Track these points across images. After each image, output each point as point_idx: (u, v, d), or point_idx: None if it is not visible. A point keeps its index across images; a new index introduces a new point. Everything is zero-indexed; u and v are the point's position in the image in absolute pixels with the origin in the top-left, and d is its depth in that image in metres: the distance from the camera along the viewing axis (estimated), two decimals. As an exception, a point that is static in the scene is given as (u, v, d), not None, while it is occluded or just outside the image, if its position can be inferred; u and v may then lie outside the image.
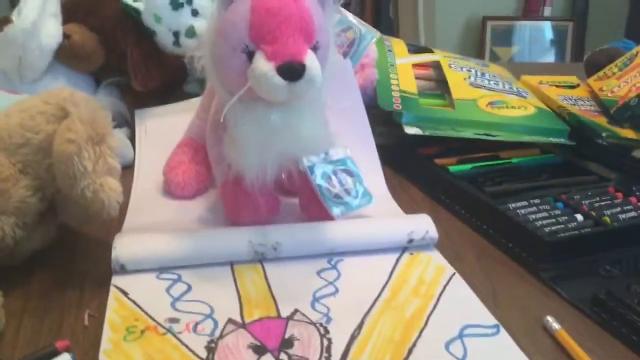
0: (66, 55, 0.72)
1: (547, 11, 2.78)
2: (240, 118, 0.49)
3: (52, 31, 0.70)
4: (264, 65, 0.44)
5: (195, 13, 0.73)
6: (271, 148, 0.50)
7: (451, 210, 0.63)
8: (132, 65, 0.73)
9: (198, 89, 0.85)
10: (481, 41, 2.75)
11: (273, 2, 0.45)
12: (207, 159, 0.63)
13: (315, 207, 0.55)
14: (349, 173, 0.58)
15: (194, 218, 0.58)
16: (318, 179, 0.54)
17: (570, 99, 0.84)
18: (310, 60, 0.45)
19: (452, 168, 0.68)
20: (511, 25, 2.76)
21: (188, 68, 0.83)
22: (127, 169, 0.67)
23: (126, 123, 0.77)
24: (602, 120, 0.79)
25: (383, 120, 0.75)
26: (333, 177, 0.56)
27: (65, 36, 0.71)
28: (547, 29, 2.78)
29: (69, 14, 0.73)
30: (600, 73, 0.86)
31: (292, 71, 0.44)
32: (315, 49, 0.47)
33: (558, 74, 0.93)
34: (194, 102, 0.77)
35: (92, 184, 0.45)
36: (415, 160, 0.72)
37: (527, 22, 2.76)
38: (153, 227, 0.55)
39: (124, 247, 0.48)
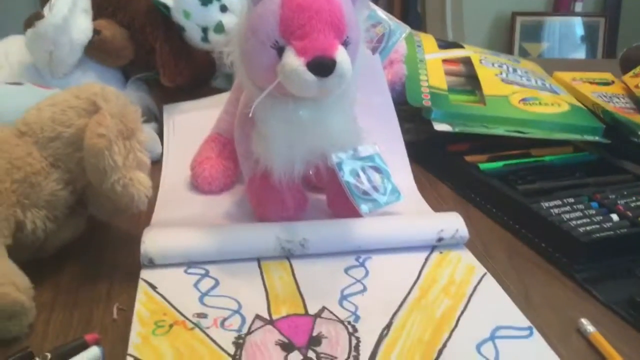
0: (96, 51, 0.72)
1: (578, 7, 2.72)
2: (269, 113, 0.49)
3: (82, 26, 0.70)
4: (294, 61, 0.44)
5: (224, 9, 0.72)
6: (300, 144, 0.49)
7: (482, 209, 0.61)
8: (160, 61, 0.73)
9: (226, 84, 0.85)
10: (510, 37, 2.71)
11: None
12: (235, 154, 0.63)
13: (342, 204, 0.55)
14: (378, 170, 0.57)
15: (222, 213, 0.58)
16: (346, 176, 0.53)
17: (605, 96, 0.81)
18: (341, 55, 0.44)
19: (482, 165, 0.66)
20: (541, 20, 2.71)
21: (217, 63, 0.84)
22: (156, 164, 0.67)
23: (154, 118, 0.78)
24: (637, 118, 0.76)
25: (411, 116, 0.74)
26: (361, 174, 0.55)
27: (96, 32, 0.71)
28: (578, 25, 2.72)
29: (99, 10, 0.73)
30: (637, 69, 0.83)
31: (323, 66, 0.44)
32: (345, 44, 0.46)
33: (590, 70, 0.90)
34: (222, 97, 0.77)
35: (122, 178, 0.45)
36: (444, 157, 0.70)
37: (558, 18, 2.71)
38: (181, 222, 0.55)
39: (152, 242, 0.48)
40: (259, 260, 0.49)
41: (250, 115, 0.47)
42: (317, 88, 0.44)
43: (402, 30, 0.73)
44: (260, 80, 0.49)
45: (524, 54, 2.70)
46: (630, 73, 0.84)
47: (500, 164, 0.67)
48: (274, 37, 0.45)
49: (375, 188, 0.55)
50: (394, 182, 0.57)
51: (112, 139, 0.45)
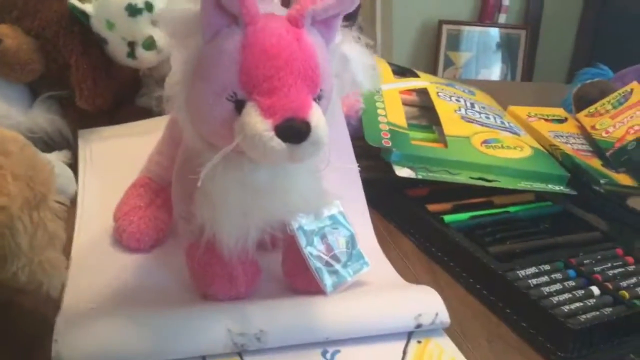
0: (-4, 63, 0.59)
1: (502, 18, 2.77)
2: (220, 174, 0.39)
3: (-22, 34, 0.57)
4: (258, 123, 0.34)
5: (155, 23, 0.61)
6: (255, 211, 0.40)
7: (451, 273, 0.55)
8: (77, 80, 0.61)
9: (152, 103, 0.74)
10: (436, 45, 2.72)
11: (271, 40, 0.35)
12: (169, 203, 0.53)
13: (302, 276, 0.47)
14: (341, 234, 0.49)
15: (154, 284, 0.48)
16: (307, 244, 0.45)
17: (562, 136, 0.78)
18: (316, 116, 0.35)
19: (447, 218, 0.60)
20: (466, 30, 2.74)
21: (142, 80, 0.72)
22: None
23: (67, 144, 0.65)
24: (596, 163, 0.74)
25: (368, 152, 0.67)
26: (324, 241, 0.47)
27: (-5, 40, 0.58)
28: (501, 35, 2.78)
29: (1, 14, 0.60)
30: (592, 109, 0.81)
31: (295, 132, 0.34)
32: (319, 98, 0.38)
33: (516, 92, 0.87)
34: (149, 124, 0.67)
35: (28, 265, 0.35)
36: (405, 204, 0.64)
37: (482, 28, 2.75)
38: (103, 300, 0.44)
39: (67, 340, 0.37)
40: (204, 358, 0.40)
41: (199, 184, 0.38)
42: (286, 157, 0.35)
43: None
44: (210, 136, 0.39)
45: (449, 62, 2.73)
46: (585, 112, 0.81)
47: (465, 215, 0.62)
48: (232, 89, 0.36)
49: (339, 256, 0.48)
50: (359, 246, 0.49)
51: (15, 212, 0.34)
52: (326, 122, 0.37)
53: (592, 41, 2.75)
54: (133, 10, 0.60)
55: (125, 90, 0.71)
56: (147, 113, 0.71)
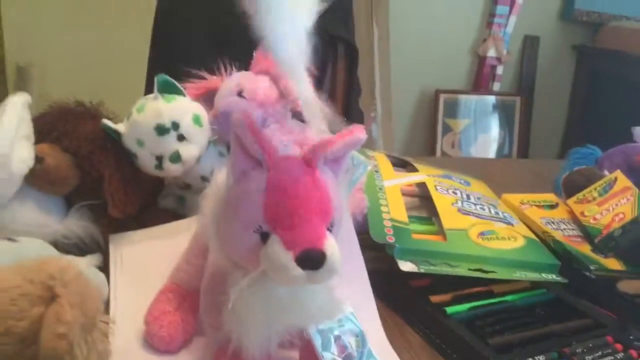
0: (38, 180, 0.66)
1: (496, 86, 2.89)
2: (246, 291, 0.45)
3: (23, 155, 0.64)
4: (282, 255, 0.41)
5: (181, 138, 0.69)
6: (277, 322, 0.46)
7: (454, 365, 0.60)
8: (110, 191, 0.68)
9: (175, 204, 0.81)
10: (434, 113, 2.83)
11: (291, 182, 0.42)
12: (195, 306, 0.58)
13: (318, 376, 0.51)
14: (353, 333, 0.54)
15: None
16: (323, 349, 0.50)
17: (553, 223, 0.84)
18: (330, 246, 0.42)
19: (449, 309, 0.65)
20: (462, 98, 2.85)
21: (165, 183, 0.79)
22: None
23: (98, 247, 0.71)
24: (586, 249, 0.79)
25: (373, 245, 0.73)
26: (337, 342, 0.52)
27: (38, 159, 0.65)
28: (496, 103, 2.89)
29: (41, 135, 0.67)
30: (580, 195, 0.87)
31: (312, 261, 0.41)
32: (331, 226, 0.44)
33: (512, 170, 0.92)
34: (173, 227, 0.73)
35: (84, 384, 0.40)
36: (409, 295, 0.69)
37: (477, 96, 2.86)
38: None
39: None
40: None
41: (230, 306, 0.44)
42: (305, 281, 0.42)
43: (365, 165, 0.72)
44: (238, 260, 0.45)
45: (447, 129, 2.83)
46: (574, 198, 0.88)
47: (465, 306, 0.67)
48: (258, 223, 0.42)
49: (351, 356, 0.53)
50: (369, 344, 0.54)
51: (74, 339, 0.40)
52: (338, 241, 0.44)
53: (584, 106, 2.85)
54: (161, 130, 0.67)
55: (150, 193, 0.78)
56: (170, 214, 0.78)
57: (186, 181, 0.76)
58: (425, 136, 2.86)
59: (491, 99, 2.88)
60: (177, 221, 0.73)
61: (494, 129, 2.90)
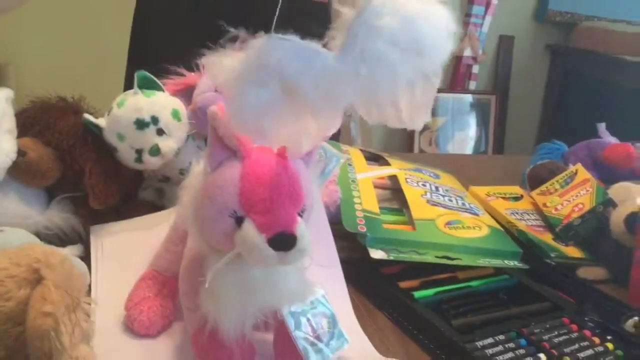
0: (20, 173, 0.68)
1: (472, 85, 2.95)
2: (222, 274, 0.48)
3: (6, 148, 0.66)
4: (255, 237, 0.44)
5: (160, 132, 0.71)
6: (252, 303, 0.49)
7: (421, 345, 0.63)
8: (90, 184, 0.70)
9: (154, 196, 0.83)
10: (412, 111, 2.87)
11: (264, 170, 0.46)
12: (174, 292, 0.61)
13: (291, 356, 0.54)
14: (324, 315, 0.57)
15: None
16: (295, 328, 0.54)
17: (517, 213, 0.88)
18: (301, 229, 0.45)
19: (416, 294, 0.69)
20: (439, 97, 2.90)
21: (145, 176, 0.82)
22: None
23: (79, 239, 0.74)
24: (547, 237, 0.84)
25: (346, 234, 0.76)
26: (309, 323, 0.56)
27: (20, 152, 0.67)
28: (472, 101, 2.95)
29: (24, 128, 0.70)
30: (543, 187, 0.91)
31: (284, 242, 0.44)
32: (302, 211, 0.47)
33: (485, 166, 0.96)
34: (152, 219, 0.76)
35: None
36: (379, 282, 0.72)
37: (454, 95, 2.92)
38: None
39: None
40: None
41: (207, 285, 0.47)
42: (277, 261, 0.45)
43: (337, 158, 0.75)
44: (214, 243, 0.48)
45: (425, 127, 2.86)
46: (537, 190, 0.92)
47: (432, 291, 0.70)
48: (233, 207, 0.45)
49: (322, 336, 0.56)
50: (340, 325, 0.58)
51: (59, 317, 0.42)
52: (309, 225, 0.47)
53: (557, 104, 2.93)
54: (141, 124, 0.70)
55: (130, 186, 0.80)
56: (150, 206, 0.80)
57: (165, 174, 0.79)
58: (403, 134, 2.90)
59: (468, 97, 2.94)
60: (156, 213, 0.76)
61: (471, 127, 2.96)
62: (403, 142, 2.87)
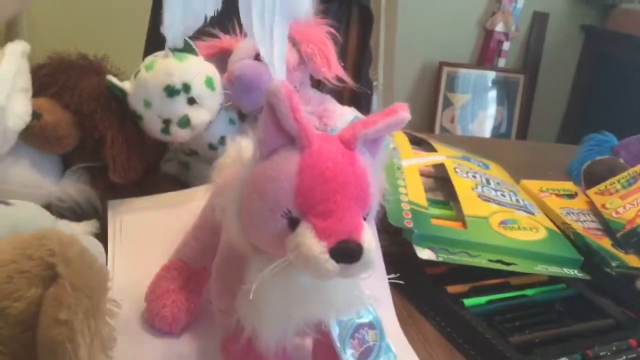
0: (34, 137, 0.61)
1: (502, 62, 2.83)
2: (266, 279, 0.41)
3: (19, 110, 0.59)
4: (314, 245, 0.36)
5: (191, 101, 0.64)
6: (296, 313, 0.42)
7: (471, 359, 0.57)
8: (112, 154, 0.63)
9: (178, 169, 0.76)
10: (436, 86, 2.77)
11: (327, 164, 0.38)
12: (200, 287, 0.55)
13: (333, 368, 0.48)
14: (371, 325, 0.51)
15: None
16: (340, 342, 0.47)
17: (573, 213, 0.81)
18: (367, 238, 0.37)
19: (467, 301, 0.62)
20: (466, 72, 2.79)
21: (169, 148, 0.74)
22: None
23: (96, 213, 0.67)
24: (606, 243, 0.76)
25: (388, 227, 0.69)
26: (355, 335, 0.49)
27: (35, 115, 0.60)
28: (498, 79, 2.83)
29: (41, 88, 0.62)
30: (602, 187, 0.83)
31: (348, 253, 0.36)
32: (367, 214, 0.40)
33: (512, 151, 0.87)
34: (177, 197, 0.69)
35: (86, 376, 0.36)
36: (424, 284, 0.65)
37: (481, 71, 2.81)
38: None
39: None
40: None
41: (251, 297, 0.39)
42: (338, 275, 0.37)
43: (386, 142, 0.67)
44: (260, 245, 0.41)
45: (448, 103, 2.78)
46: (595, 189, 0.84)
47: (484, 299, 0.63)
48: (287, 207, 0.38)
49: (369, 350, 0.49)
50: (387, 338, 0.51)
51: (77, 326, 0.35)
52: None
53: (588, 89, 2.81)
54: (171, 92, 0.62)
55: (154, 158, 0.73)
56: (173, 180, 0.73)
57: (192, 147, 0.71)
58: (426, 109, 2.80)
59: (493, 75, 2.82)
60: (181, 190, 0.69)
61: (494, 106, 2.85)
62: (425, 118, 2.78)
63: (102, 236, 0.64)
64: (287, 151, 0.38)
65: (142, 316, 0.54)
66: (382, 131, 0.40)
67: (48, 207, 0.62)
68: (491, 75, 2.82)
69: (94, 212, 0.67)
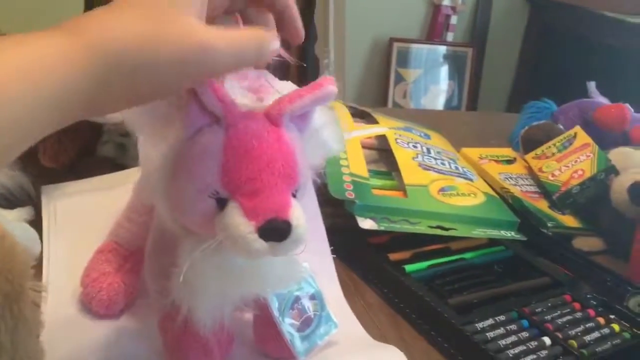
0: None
1: (450, 36, 2.86)
2: (198, 260, 0.40)
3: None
4: (242, 225, 0.36)
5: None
6: (232, 292, 0.42)
7: (415, 326, 0.58)
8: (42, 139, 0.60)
9: (115, 152, 0.74)
10: (388, 62, 2.78)
11: (253, 142, 0.37)
12: (137, 267, 0.54)
13: (273, 342, 0.48)
14: (311, 296, 0.51)
15: (126, 351, 0.48)
16: (280, 314, 0.47)
17: (511, 178, 0.83)
18: (296, 215, 0.37)
19: (408, 267, 0.63)
20: (416, 47, 2.81)
21: (104, 129, 0.72)
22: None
23: (29, 199, 0.65)
24: (543, 205, 0.78)
25: (330, 199, 0.69)
26: (295, 306, 0.49)
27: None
28: (448, 53, 2.87)
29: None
30: (539, 151, 0.85)
31: (276, 232, 0.36)
32: (296, 190, 0.39)
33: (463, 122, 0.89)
34: (112, 179, 0.67)
35: (9, 362, 0.35)
36: (367, 253, 0.66)
37: (431, 46, 2.83)
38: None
39: None
40: None
41: (181, 279, 0.39)
42: (268, 253, 0.37)
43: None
44: (190, 226, 0.40)
45: (400, 79, 2.79)
46: (532, 154, 0.86)
47: (424, 264, 0.65)
48: (214, 187, 0.37)
49: (309, 320, 0.50)
50: (328, 308, 0.51)
51: (-5, 311, 0.34)
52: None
53: (534, 60, 2.87)
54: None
55: (88, 140, 0.71)
56: (108, 163, 0.71)
57: (127, 128, 0.69)
58: (378, 85, 2.82)
59: (442, 49, 2.85)
60: (116, 172, 0.67)
61: (445, 80, 2.89)
62: (377, 95, 2.79)
63: (37, 222, 0.63)
64: (212, 130, 0.37)
65: (80, 300, 0.53)
66: (309, 105, 0.40)
67: (-21, 196, 0.60)
68: (441, 49, 2.85)
69: (27, 199, 0.64)
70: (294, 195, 0.38)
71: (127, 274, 0.53)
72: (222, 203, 0.37)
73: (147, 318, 0.52)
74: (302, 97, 0.39)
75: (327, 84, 0.40)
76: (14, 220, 0.61)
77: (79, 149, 0.67)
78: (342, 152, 0.72)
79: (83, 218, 0.62)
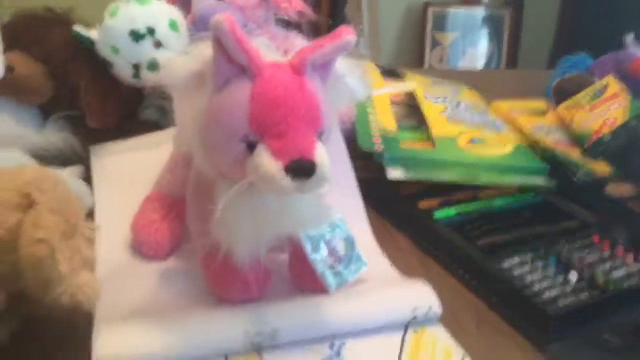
0: (10, 89, 0.63)
1: (486, -2, 2.80)
2: (233, 201, 0.44)
3: (-8, 64, 0.61)
4: (270, 165, 0.39)
5: (158, 45, 0.65)
6: (266, 231, 0.45)
7: (443, 264, 0.60)
8: (86, 102, 0.65)
9: (156, 115, 0.78)
10: (422, 27, 2.75)
11: (277, 91, 0.40)
12: (181, 215, 0.58)
13: (308, 278, 0.51)
14: (342, 238, 0.54)
15: (176, 291, 0.52)
16: (312, 252, 0.50)
17: (543, 128, 0.83)
18: (320, 155, 0.40)
19: (436, 214, 0.65)
20: (451, 11, 2.77)
21: (145, 93, 0.76)
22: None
23: (80, 159, 0.69)
24: (575, 153, 0.79)
25: (361, 153, 0.72)
26: (327, 247, 0.52)
27: (9, 68, 0.62)
28: (485, 16, 2.81)
29: (10, 43, 0.64)
30: (570, 102, 0.85)
31: (302, 170, 0.40)
32: (321, 134, 0.42)
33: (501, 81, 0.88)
34: (155, 137, 0.71)
35: (69, 288, 0.39)
36: (398, 202, 0.69)
37: (467, 9, 2.78)
38: (131, 309, 0.49)
39: (105, 348, 0.42)
40: (226, 356, 0.45)
41: (218, 216, 0.42)
42: (294, 190, 0.40)
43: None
44: (224, 170, 0.44)
45: (436, 43, 2.76)
46: (564, 105, 0.86)
47: (452, 211, 0.67)
48: (244, 132, 0.40)
49: (340, 259, 0.53)
50: (358, 249, 0.54)
51: (54, 243, 0.39)
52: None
53: (573, 16, 2.79)
54: (136, 36, 0.64)
55: (130, 105, 0.75)
56: (151, 125, 0.75)
57: (165, 90, 0.73)
58: (413, 50, 2.79)
59: (480, 11, 2.80)
60: (158, 131, 0.71)
61: (483, 43, 2.84)
62: (413, 59, 2.76)
63: (87, 180, 0.67)
64: (240, 80, 0.41)
65: (130, 245, 0.58)
66: (329, 54, 0.43)
67: (34, 157, 0.65)
68: (479, 11, 2.80)
69: (78, 159, 0.69)
70: (319, 138, 0.41)
71: (173, 221, 0.58)
72: (251, 147, 0.40)
73: (191, 260, 0.56)
74: (322, 46, 0.42)
75: (345, 33, 0.42)
76: (66, 177, 0.66)
77: (123, 112, 0.71)
78: (370, 105, 0.74)
79: (130, 174, 0.66)
